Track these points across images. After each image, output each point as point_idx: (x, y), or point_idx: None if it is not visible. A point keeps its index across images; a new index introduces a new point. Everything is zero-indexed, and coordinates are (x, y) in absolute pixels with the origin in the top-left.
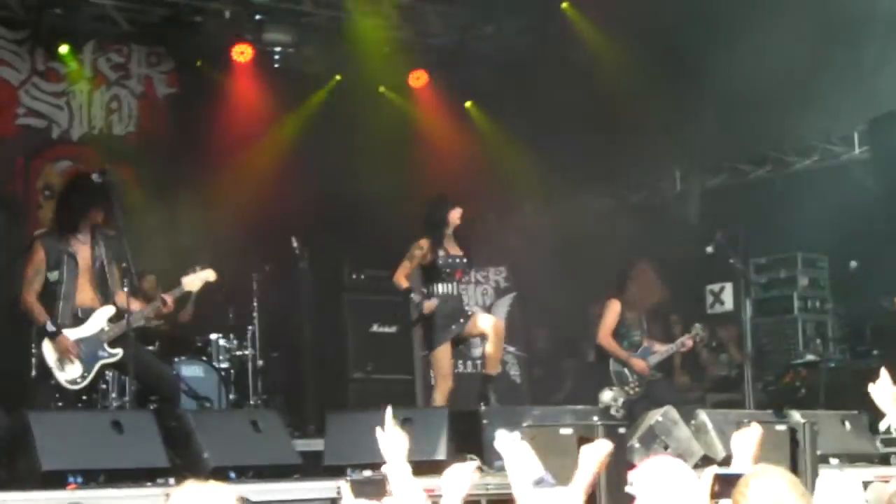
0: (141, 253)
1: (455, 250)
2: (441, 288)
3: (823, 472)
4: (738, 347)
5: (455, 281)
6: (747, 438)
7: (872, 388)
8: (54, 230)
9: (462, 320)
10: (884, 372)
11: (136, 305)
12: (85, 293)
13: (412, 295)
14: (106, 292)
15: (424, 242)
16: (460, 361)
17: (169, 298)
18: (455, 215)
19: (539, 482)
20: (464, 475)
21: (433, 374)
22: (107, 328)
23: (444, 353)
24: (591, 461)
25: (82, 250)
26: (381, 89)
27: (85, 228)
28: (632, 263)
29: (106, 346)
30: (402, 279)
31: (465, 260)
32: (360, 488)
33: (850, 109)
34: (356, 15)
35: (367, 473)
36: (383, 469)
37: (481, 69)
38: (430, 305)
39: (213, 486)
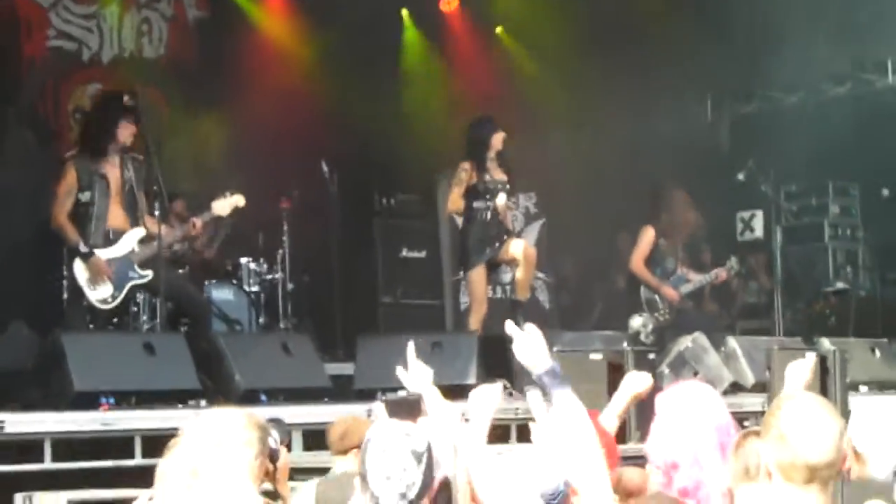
0: (171, 176)
1: (498, 174)
2: (480, 213)
3: (859, 398)
4: (767, 275)
5: (489, 202)
6: (802, 367)
7: None
8: (85, 151)
9: (497, 244)
10: None
11: (164, 230)
12: (116, 215)
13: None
14: (136, 215)
15: (468, 164)
16: (489, 287)
17: (199, 222)
18: (498, 139)
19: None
20: (490, 396)
21: (468, 298)
22: (137, 249)
23: (478, 276)
24: (629, 391)
25: (113, 172)
26: (408, 13)
27: (115, 150)
28: (665, 190)
29: (136, 267)
30: (456, 205)
31: (507, 185)
32: (394, 408)
33: (883, 36)
34: None
35: (402, 393)
36: (416, 389)
37: None
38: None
39: (227, 410)
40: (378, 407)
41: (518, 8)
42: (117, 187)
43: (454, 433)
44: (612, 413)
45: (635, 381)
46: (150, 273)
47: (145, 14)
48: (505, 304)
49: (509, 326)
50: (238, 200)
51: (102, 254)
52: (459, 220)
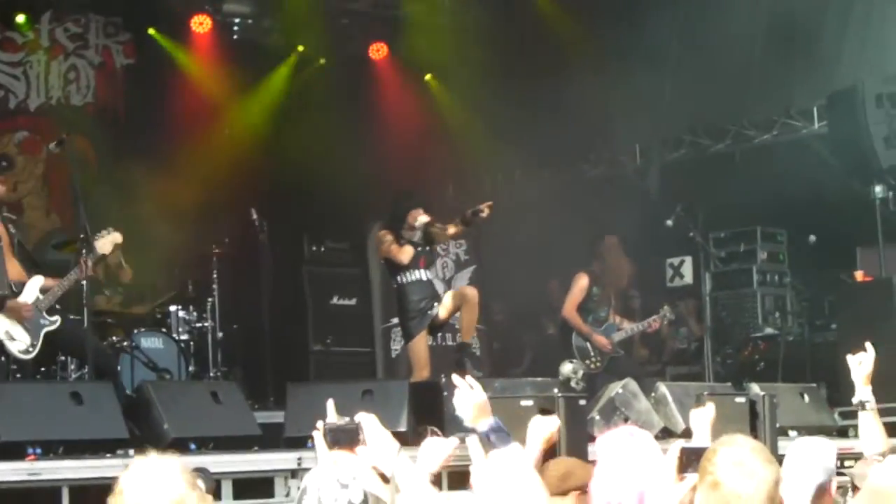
0: (99, 224)
1: (418, 238)
2: (409, 276)
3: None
4: (697, 321)
5: (420, 268)
6: (703, 416)
7: (851, 358)
8: None
9: (435, 304)
10: (870, 347)
11: (49, 282)
12: (12, 268)
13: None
14: (29, 267)
15: (388, 234)
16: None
17: (89, 261)
18: (413, 216)
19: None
20: (441, 450)
21: (411, 363)
22: (41, 297)
23: (421, 342)
24: (538, 436)
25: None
26: (339, 62)
27: None
28: (599, 238)
29: (44, 313)
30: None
31: (427, 248)
32: (334, 436)
33: (809, 84)
34: None
35: (341, 421)
36: (357, 417)
37: (440, 41)
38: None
39: (160, 459)
40: (317, 435)
41: (446, 56)
42: (6, 243)
43: (392, 464)
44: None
45: (541, 425)
46: (57, 318)
47: (73, 61)
48: (438, 350)
49: (455, 378)
50: (116, 238)
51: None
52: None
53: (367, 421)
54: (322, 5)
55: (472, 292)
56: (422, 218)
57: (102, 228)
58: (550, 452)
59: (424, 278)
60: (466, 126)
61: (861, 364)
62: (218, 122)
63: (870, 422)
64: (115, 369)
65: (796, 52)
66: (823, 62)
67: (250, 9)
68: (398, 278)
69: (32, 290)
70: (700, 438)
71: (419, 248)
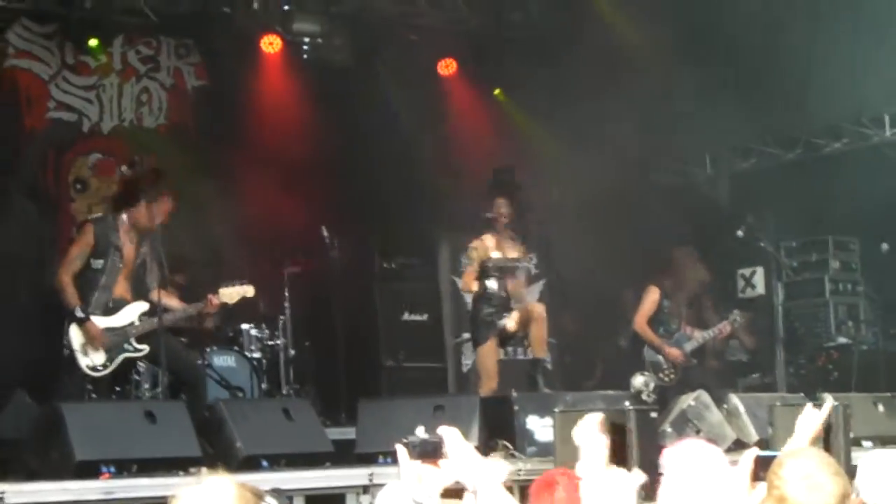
0: (171, 246)
1: (511, 252)
2: (490, 286)
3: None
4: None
5: (504, 281)
6: (813, 418)
7: None
8: (108, 218)
9: (505, 314)
10: None
11: (174, 302)
12: (121, 285)
13: None
14: (141, 287)
15: (477, 242)
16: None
17: (215, 299)
18: (497, 207)
19: None
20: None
21: (476, 367)
22: (137, 323)
23: (489, 350)
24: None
25: (128, 245)
26: (408, 78)
27: (134, 223)
28: (673, 251)
29: (133, 340)
30: (469, 286)
31: (520, 262)
32: (417, 451)
33: (880, 91)
34: (384, 3)
35: (424, 435)
36: (439, 431)
37: (510, 55)
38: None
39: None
40: (400, 449)
41: (515, 69)
42: (129, 260)
43: (475, 477)
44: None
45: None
46: (146, 348)
47: (145, 84)
48: (510, 364)
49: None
50: (247, 290)
51: (100, 322)
52: (469, 297)
53: (450, 435)
54: (391, 22)
55: (540, 308)
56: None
57: (237, 279)
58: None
59: (500, 292)
60: (535, 138)
61: None
62: (288, 140)
63: None
64: (205, 387)
65: (867, 59)
66: (893, 67)
67: (320, 28)
68: (479, 284)
69: (130, 314)
70: (798, 441)
71: (510, 264)
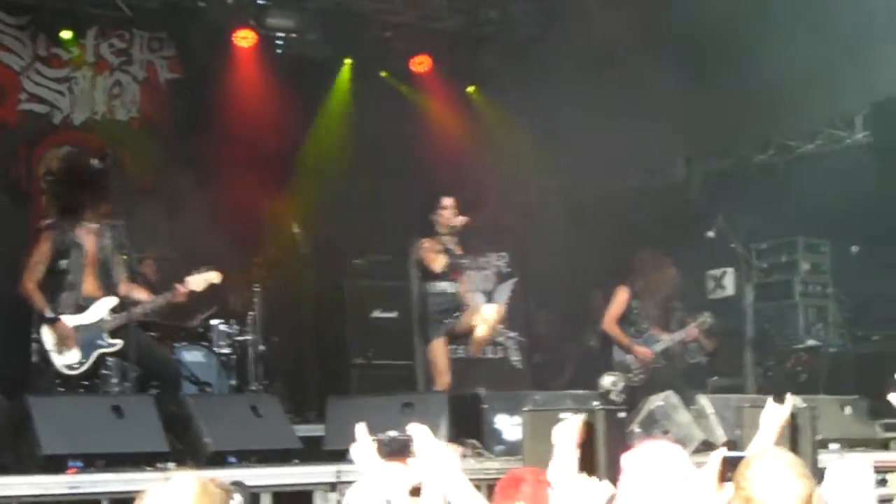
0: (142, 238)
1: (458, 248)
2: (436, 286)
3: (830, 458)
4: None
5: (450, 280)
6: (775, 415)
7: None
8: (61, 220)
9: (456, 314)
10: None
11: (142, 294)
12: (89, 282)
13: None
14: (108, 282)
15: (426, 241)
16: (461, 346)
17: (182, 288)
18: (445, 217)
19: None
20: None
21: (430, 369)
22: (108, 318)
23: (439, 346)
24: (564, 439)
25: (89, 239)
26: (383, 74)
27: (90, 217)
28: (639, 253)
29: (105, 335)
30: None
31: (465, 260)
32: (386, 449)
33: (852, 93)
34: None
35: (393, 433)
36: (408, 429)
37: (485, 53)
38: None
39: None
40: (362, 447)
41: (489, 67)
42: (92, 255)
43: (444, 475)
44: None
45: (565, 429)
46: (119, 342)
47: (117, 77)
48: (474, 363)
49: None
50: (212, 277)
51: (70, 320)
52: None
53: (419, 433)
54: (366, 18)
55: (492, 312)
56: (455, 220)
57: (202, 266)
58: (589, 461)
59: (451, 290)
60: (509, 137)
61: None
62: (261, 135)
63: None
64: (180, 382)
65: (839, 61)
66: (866, 71)
67: (294, 23)
68: (425, 285)
69: (100, 309)
70: (763, 440)
71: (456, 260)
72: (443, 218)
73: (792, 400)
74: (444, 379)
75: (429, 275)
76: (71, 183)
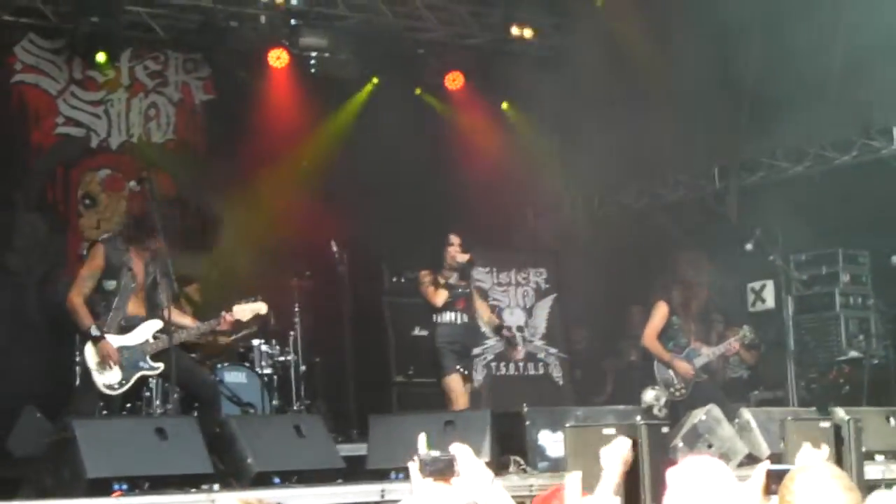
0: (182, 260)
1: (455, 280)
2: (443, 317)
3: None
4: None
5: (457, 309)
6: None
7: None
8: (117, 238)
9: (467, 343)
10: None
11: (187, 321)
12: (134, 304)
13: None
14: (153, 305)
15: (424, 274)
16: (503, 364)
17: (229, 317)
18: (451, 255)
19: None
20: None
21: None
22: (151, 341)
23: (455, 383)
24: (612, 461)
25: (138, 264)
26: (418, 91)
27: (145, 243)
28: (683, 268)
29: (148, 358)
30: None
31: (467, 290)
32: (428, 468)
33: (888, 103)
34: (389, 18)
35: (435, 453)
36: (451, 448)
37: (517, 69)
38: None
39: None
40: (412, 466)
41: (523, 83)
42: (141, 280)
43: (485, 495)
44: (606, 490)
45: (613, 450)
46: (161, 365)
47: (152, 99)
48: (516, 380)
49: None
50: (260, 308)
51: (114, 340)
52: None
53: (461, 452)
54: (398, 37)
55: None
56: (460, 256)
57: (250, 296)
58: (633, 477)
59: (458, 321)
60: (544, 152)
61: None
62: (297, 155)
63: None
64: (219, 403)
65: (874, 72)
66: None
67: (327, 42)
68: (433, 317)
69: (144, 332)
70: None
71: (458, 290)
72: (448, 254)
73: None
74: (461, 404)
75: (433, 308)
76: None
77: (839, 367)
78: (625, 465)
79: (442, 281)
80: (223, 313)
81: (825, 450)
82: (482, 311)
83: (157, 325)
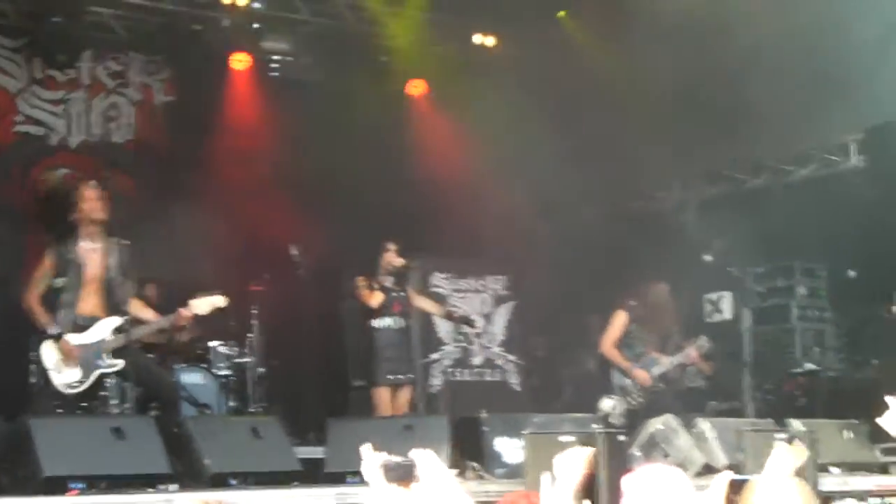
0: (140, 261)
1: (391, 284)
2: (380, 322)
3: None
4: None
5: (394, 314)
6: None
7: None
8: (59, 239)
9: (405, 369)
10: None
11: (149, 315)
12: (88, 302)
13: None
14: (112, 302)
15: (360, 279)
16: (459, 370)
17: (187, 312)
18: (387, 260)
19: None
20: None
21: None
22: (109, 338)
23: (381, 395)
24: (568, 469)
25: (91, 258)
26: (379, 97)
27: (91, 236)
28: (644, 277)
29: (105, 355)
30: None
31: (402, 293)
32: (390, 473)
33: (847, 118)
34: (354, 23)
35: (398, 458)
36: (411, 454)
37: (479, 77)
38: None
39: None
40: (371, 471)
41: (483, 93)
42: (94, 274)
43: (448, 499)
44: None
45: (570, 459)
46: (120, 362)
47: (113, 99)
48: (473, 386)
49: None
50: (217, 301)
51: (72, 338)
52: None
53: (423, 458)
54: (361, 42)
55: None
56: (396, 261)
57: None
58: (589, 483)
59: (395, 325)
60: (505, 160)
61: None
62: (257, 158)
63: None
64: (179, 403)
65: (834, 86)
66: (861, 96)
67: (289, 46)
68: (369, 322)
69: (102, 329)
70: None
71: (393, 294)
72: (384, 259)
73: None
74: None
75: (369, 311)
76: (62, 203)
77: (795, 379)
78: (583, 474)
79: (377, 285)
80: (179, 308)
81: (804, 453)
82: (428, 306)
83: (115, 321)
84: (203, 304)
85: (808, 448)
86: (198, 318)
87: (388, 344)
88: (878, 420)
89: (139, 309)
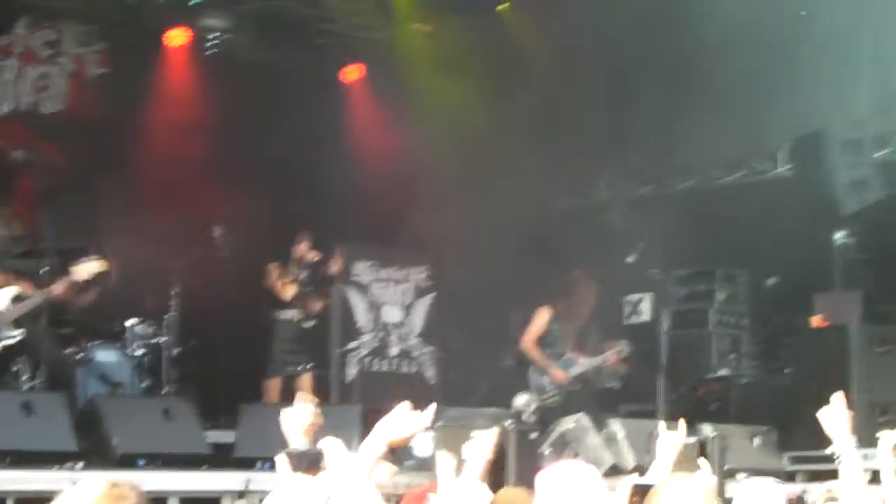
0: (65, 232)
1: (305, 277)
2: (284, 315)
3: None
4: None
5: (301, 310)
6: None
7: (822, 414)
8: None
9: (300, 363)
10: (838, 397)
11: (27, 289)
12: None
13: None
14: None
15: (273, 266)
16: (376, 360)
17: (59, 287)
18: (298, 251)
19: None
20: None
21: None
22: (9, 307)
23: (273, 387)
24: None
25: None
26: (314, 80)
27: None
28: (571, 276)
29: (4, 327)
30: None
31: (312, 288)
32: (296, 462)
33: (776, 126)
34: (294, 3)
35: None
36: (320, 444)
37: (416, 65)
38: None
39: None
40: (281, 458)
41: (421, 81)
42: None
43: (353, 490)
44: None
45: (477, 442)
46: (20, 332)
47: (44, 69)
48: (388, 377)
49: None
50: (97, 266)
51: None
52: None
53: (331, 446)
54: (299, 23)
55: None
56: (309, 254)
57: (86, 254)
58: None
59: (296, 319)
60: (436, 151)
61: (833, 415)
62: (189, 134)
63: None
64: (70, 380)
65: (764, 95)
66: (790, 105)
67: (227, 24)
68: (274, 313)
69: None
70: (660, 467)
71: (305, 288)
72: (296, 252)
73: (685, 426)
74: None
75: (278, 303)
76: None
77: (708, 384)
78: (488, 457)
79: (290, 277)
80: (51, 286)
81: (680, 434)
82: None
83: (11, 291)
84: (82, 271)
85: (716, 452)
86: (113, 298)
87: (287, 337)
88: (818, 414)
89: (26, 285)
